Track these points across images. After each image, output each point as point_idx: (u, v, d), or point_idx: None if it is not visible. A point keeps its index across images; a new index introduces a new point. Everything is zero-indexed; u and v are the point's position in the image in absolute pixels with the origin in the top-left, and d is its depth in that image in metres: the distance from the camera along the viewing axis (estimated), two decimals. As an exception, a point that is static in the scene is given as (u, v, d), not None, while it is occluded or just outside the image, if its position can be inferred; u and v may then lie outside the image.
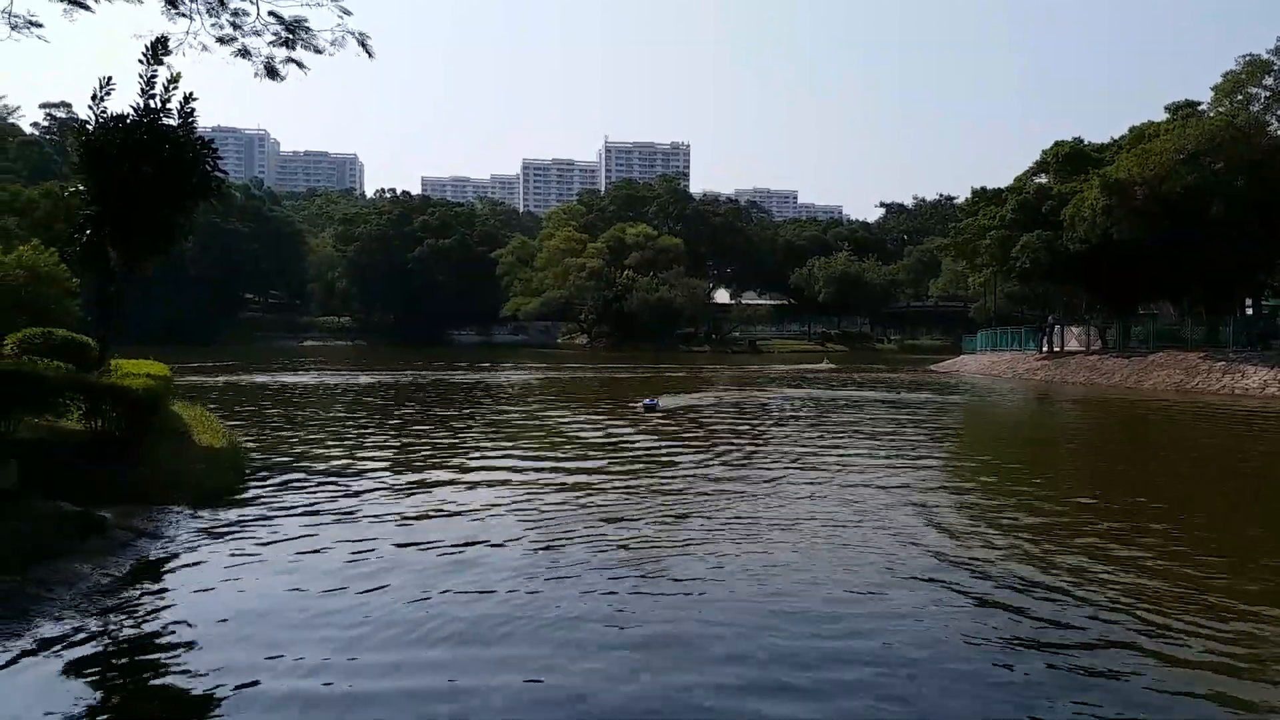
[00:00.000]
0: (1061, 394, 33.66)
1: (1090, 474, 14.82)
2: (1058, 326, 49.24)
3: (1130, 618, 6.68)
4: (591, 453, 15.38)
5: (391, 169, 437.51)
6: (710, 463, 14.27)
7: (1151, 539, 9.20)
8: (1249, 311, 44.48)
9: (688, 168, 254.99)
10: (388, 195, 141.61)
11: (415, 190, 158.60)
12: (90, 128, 13.12)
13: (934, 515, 10.21)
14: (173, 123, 13.35)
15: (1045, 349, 47.98)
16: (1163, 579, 7.72)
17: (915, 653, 5.96)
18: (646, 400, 23.98)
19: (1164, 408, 26.53)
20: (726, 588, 7.36)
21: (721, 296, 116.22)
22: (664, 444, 16.52)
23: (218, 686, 5.27)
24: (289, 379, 35.67)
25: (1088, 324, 48.93)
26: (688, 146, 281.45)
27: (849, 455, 15.19)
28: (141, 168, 12.84)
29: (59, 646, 5.80)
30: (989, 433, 22.05)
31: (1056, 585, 7.50)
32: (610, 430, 18.71)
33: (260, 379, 35.18)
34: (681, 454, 15.21)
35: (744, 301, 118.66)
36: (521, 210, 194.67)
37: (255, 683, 5.30)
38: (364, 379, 36.57)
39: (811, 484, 12.26)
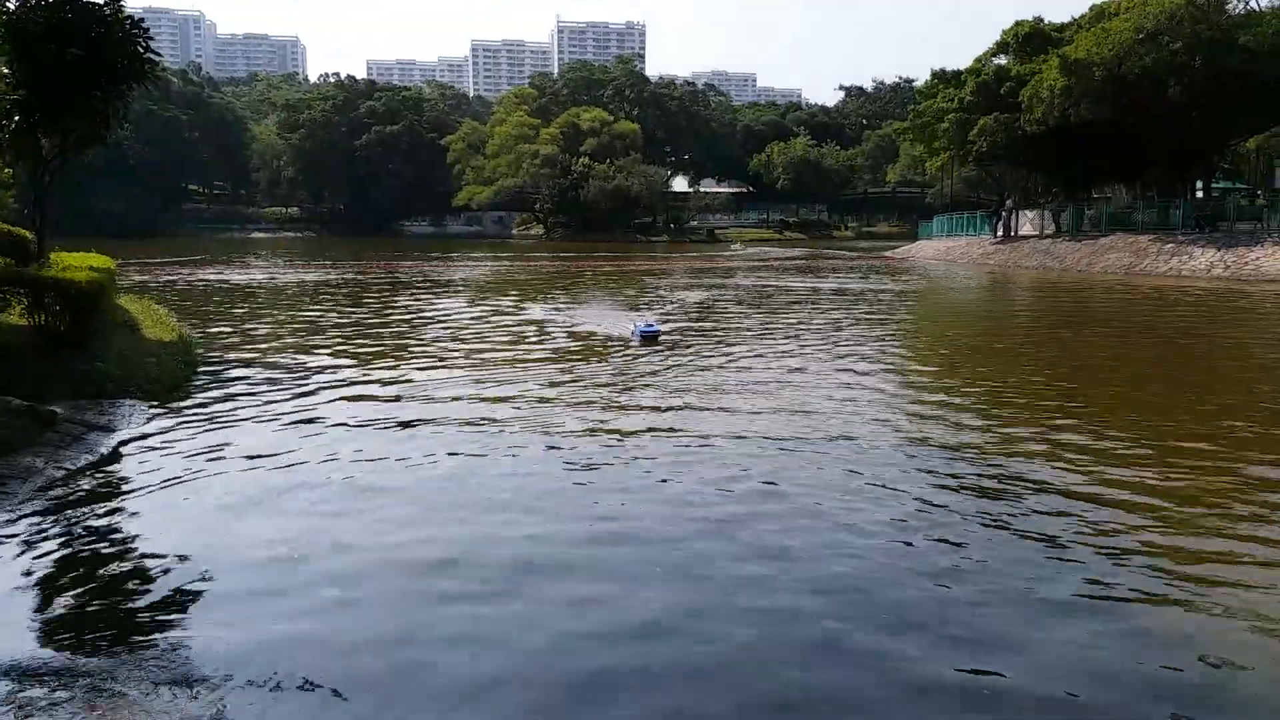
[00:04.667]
0: (1011, 279, 34.08)
1: (1026, 357, 15.17)
2: (1013, 211, 49.44)
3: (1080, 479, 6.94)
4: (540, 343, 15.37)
5: (335, 52, 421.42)
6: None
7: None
8: (1199, 194, 44.96)
9: (644, 49, 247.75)
10: (332, 80, 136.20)
11: (360, 74, 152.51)
12: (11, 7, 12.38)
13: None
14: (99, 0, 12.62)
15: (1000, 234, 48.29)
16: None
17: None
18: (642, 325, 15.65)
19: (1108, 290, 27.03)
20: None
21: (679, 184, 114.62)
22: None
23: (176, 577, 5.28)
24: (238, 276, 34.98)
25: (1042, 208, 49.20)
26: (643, 26, 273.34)
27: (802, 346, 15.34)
28: (69, 49, 12.19)
29: (14, 541, 5.77)
30: (940, 317, 22.39)
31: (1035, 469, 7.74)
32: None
33: (209, 275, 34.45)
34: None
35: (702, 190, 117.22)
36: (472, 95, 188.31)
37: (215, 572, 5.33)
38: (312, 276, 35.98)
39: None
